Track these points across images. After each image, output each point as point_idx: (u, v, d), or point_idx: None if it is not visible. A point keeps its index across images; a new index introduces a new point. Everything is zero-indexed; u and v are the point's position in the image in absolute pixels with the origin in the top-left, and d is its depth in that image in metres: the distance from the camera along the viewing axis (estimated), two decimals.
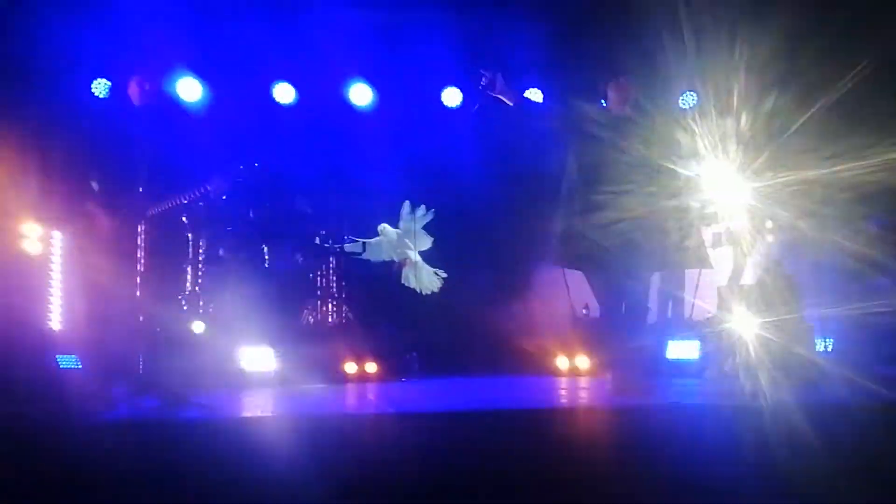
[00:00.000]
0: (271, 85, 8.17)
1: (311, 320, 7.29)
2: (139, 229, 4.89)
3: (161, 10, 7.01)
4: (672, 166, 5.44)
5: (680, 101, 9.04)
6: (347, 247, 7.73)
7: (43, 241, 6.58)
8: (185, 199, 6.64)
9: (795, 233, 7.76)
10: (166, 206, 6.56)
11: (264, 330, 6.48)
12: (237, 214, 7.46)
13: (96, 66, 7.78)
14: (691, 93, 8.94)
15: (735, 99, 5.25)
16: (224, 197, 7.13)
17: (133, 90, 5.95)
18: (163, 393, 4.67)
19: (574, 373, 7.00)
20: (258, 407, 5.20)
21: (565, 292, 7.36)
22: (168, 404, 4.57)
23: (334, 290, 7.64)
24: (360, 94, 8.31)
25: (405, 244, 7.83)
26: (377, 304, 7.73)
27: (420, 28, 7.91)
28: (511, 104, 5.47)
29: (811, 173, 7.85)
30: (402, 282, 7.75)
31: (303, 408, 5.14)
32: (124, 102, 6.27)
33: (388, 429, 4.26)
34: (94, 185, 5.68)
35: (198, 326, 6.52)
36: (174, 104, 7.62)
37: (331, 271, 7.65)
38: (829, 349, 7.05)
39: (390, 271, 7.85)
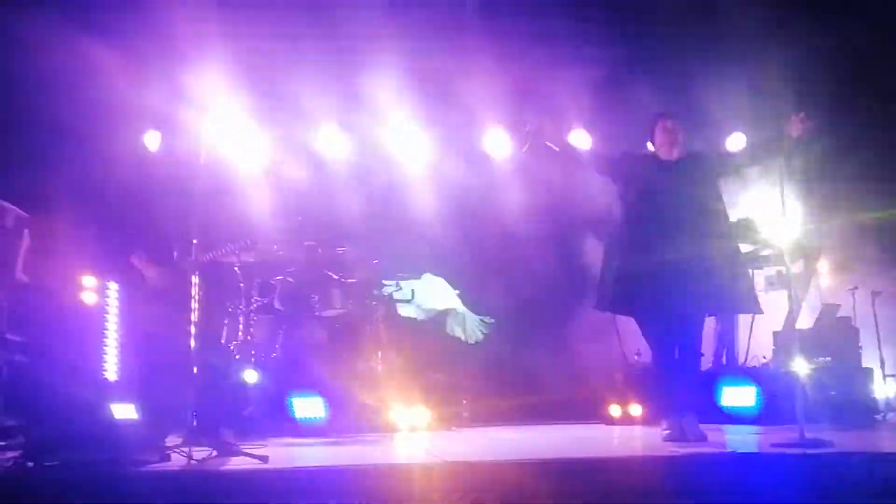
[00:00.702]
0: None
1: (362, 368, 7.29)
2: (192, 279, 4.95)
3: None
4: (721, 208, 5.38)
5: (728, 143, 9.00)
6: (396, 294, 7.75)
7: (98, 292, 6.70)
8: (237, 249, 6.75)
9: (852, 275, 7.65)
10: (218, 256, 6.68)
11: (315, 378, 6.51)
12: (288, 263, 7.54)
13: (149, 120, 8.00)
14: (739, 133, 8.90)
15: (786, 139, 5.13)
16: (275, 246, 7.23)
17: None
18: (215, 443, 4.68)
19: (627, 420, 6.88)
20: (310, 457, 5.19)
21: (616, 338, 7.31)
22: (221, 454, 4.58)
23: (383, 337, 7.64)
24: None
25: (450, 291, 7.84)
26: (425, 351, 7.72)
27: (466, 73, 8.01)
28: (558, 150, 5.47)
29: (866, 214, 7.76)
30: (448, 331, 7.74)
31: (352, 458, 5.12)
32: (176, 154, 6.42)
33: (437, 478, 4.21)
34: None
35: (250, 375, 6.57)
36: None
37: (379, 319, 7.66)
38: (891, 396, 6.88)
39: (438, 319, 7.85)
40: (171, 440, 4.85)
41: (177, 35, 6.93)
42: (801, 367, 5.32)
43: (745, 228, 7.58)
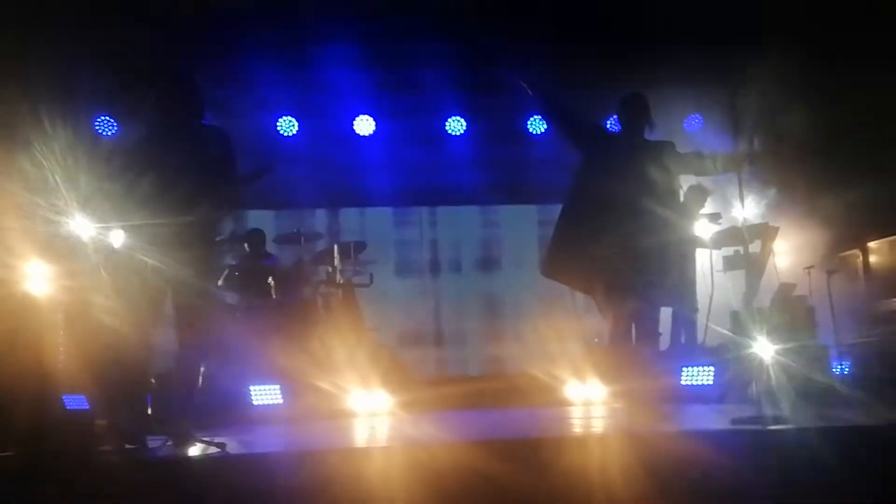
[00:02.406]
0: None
1: (319, 354, 7.22)
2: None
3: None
4: (671, 199, 5.40)
5: (685, 125, 9.08)
6: (356, 279, 7.70)
7: (51, 280, 6.53)
8: None
9: (808, 253, 7.75)
10: None
11: (272, 364, 6.42)
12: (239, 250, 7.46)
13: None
14: (697, 116, 8.99)
15: (746, 121, 5.20)
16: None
17: None
18: (171, 430, 4.59)
19: (587, 402, 6.90)
20: (267, 443, 5.12)
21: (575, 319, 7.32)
22: (176, 442, 4.50)
23: (340, 321, 7.59)
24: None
25: None
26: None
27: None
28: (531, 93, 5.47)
29: (823, 194, 7.88)
30: None
31: (311, 443, 5.06)
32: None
33: (395, 461, 4.18)
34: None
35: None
36: None
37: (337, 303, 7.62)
38: (846, 372, 6.96)
39: None
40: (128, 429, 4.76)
41: None
42: (758, 345, 5.35)
43: (698, 192, 7.69)
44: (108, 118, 8.44)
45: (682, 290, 5.70)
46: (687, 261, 5.90)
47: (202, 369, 4.85)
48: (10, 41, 7.15)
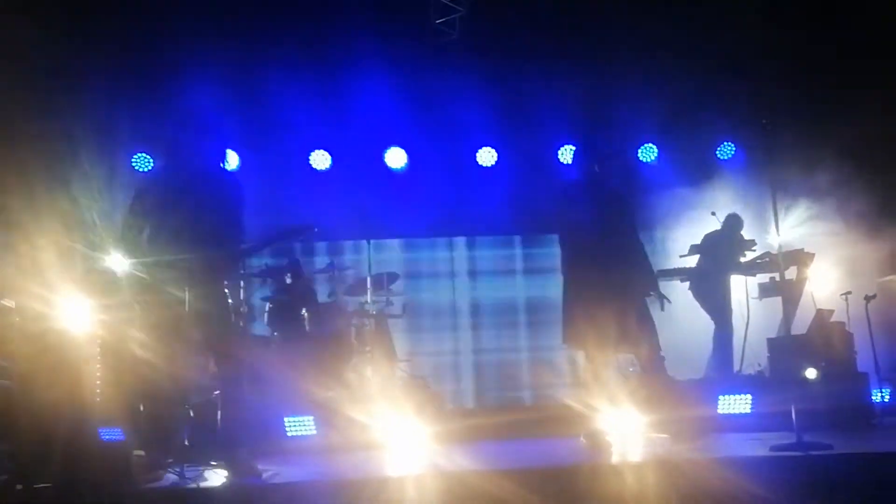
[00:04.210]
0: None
1: (352, 384, 7.23)
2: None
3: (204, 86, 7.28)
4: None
5: (718, 153, 9.09)
6: (388, 310, 7.72)
7: (87, 314, 6.61)
8: None
9: (845, 278, 7.65)
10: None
11: (307, 398, 6.43)
12: (275, 284, 7.52)
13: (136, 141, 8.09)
14: (730, 144, 9.00)
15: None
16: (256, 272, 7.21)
17: None
18: (227, 460, 4.63)
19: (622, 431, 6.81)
20: (303, 472, 5.12)
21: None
22: (236, 471, 4.54)
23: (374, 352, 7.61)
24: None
25: None
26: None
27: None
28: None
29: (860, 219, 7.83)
30: None
31: (345, 472, 5.05)
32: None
33: (428, 491, 4.17)
34: None
35: None
36: None
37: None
38: (886, 399, 6.83)
39: None
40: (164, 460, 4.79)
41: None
42: (796, 373, 5.28)
43: (735, 219, 7.68)
44: (145, 155, 8.60)
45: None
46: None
47: (239, 400, 4.89)
48: (50, 81, 7.34)
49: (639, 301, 5.60)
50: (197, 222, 4.65)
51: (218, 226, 4.73)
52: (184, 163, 4.86)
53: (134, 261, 4.83)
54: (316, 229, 5.26)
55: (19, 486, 4.27)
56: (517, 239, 9.70)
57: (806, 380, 6.15)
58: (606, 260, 5.39)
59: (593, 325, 5.33)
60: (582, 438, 5.51)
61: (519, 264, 9.69)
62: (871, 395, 6.51)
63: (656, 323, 5.64)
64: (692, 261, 7.92)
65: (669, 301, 5.85)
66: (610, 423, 6.88)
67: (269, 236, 5.06)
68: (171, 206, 4.68)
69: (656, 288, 5.83)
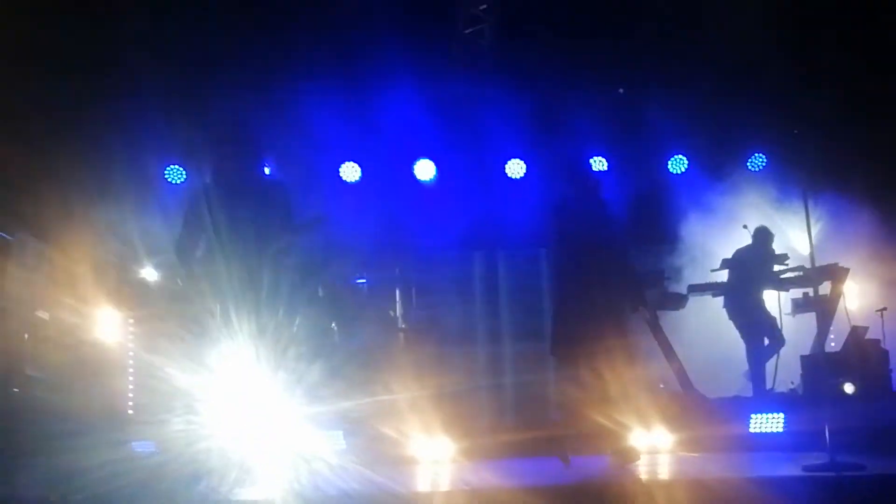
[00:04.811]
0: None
1: (383, 399, 7.22)
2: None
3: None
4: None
5: (749, 164, 9.01)
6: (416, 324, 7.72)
7: (121, 326, 6.70)
8: None
9: (881, 294, 7.54)
10: None
11: (334, 411, 6.44)
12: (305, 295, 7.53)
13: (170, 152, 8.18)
14: (760, 155, 8.92)
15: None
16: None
17: None
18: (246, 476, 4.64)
19: (652, 449, 6.75)
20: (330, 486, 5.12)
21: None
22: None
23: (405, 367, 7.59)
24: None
25: None
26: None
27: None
28: None
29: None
30: None
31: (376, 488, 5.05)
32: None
33: None
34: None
35: None
36: None
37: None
38: None
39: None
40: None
41: None
42: (830, 391, 5.22)
43: (765, 233, 7.62)
44: (177, 167, 8.68)
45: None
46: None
47: None
48: (83, 94, 7.44)
49: (624, 316, 5.62)
50: (258, 231, 4.66)
51: (277, 232, 4.75)
52: (231, 174, 4.88)
53: (167, 272, 4.86)
54: (326, 219, 5.28)
55: (53, 500, 4.31)
56: (544, 252, 9.65)
57: (844, 394, 6.08)
58: (588, 275, 5.39)
59: (574, 340, 5.39)
60: (611, 455, 5.46)
61: (546, 278, 9.63)
62: None
63: (690, 339, 5.61)
64: (724, 275, 7.83)
65: (657, 317, 5.86)
66: (639, 441, 6.87)
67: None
68: (225, 219, 4.69)
69: (644, 303, 5.82)
